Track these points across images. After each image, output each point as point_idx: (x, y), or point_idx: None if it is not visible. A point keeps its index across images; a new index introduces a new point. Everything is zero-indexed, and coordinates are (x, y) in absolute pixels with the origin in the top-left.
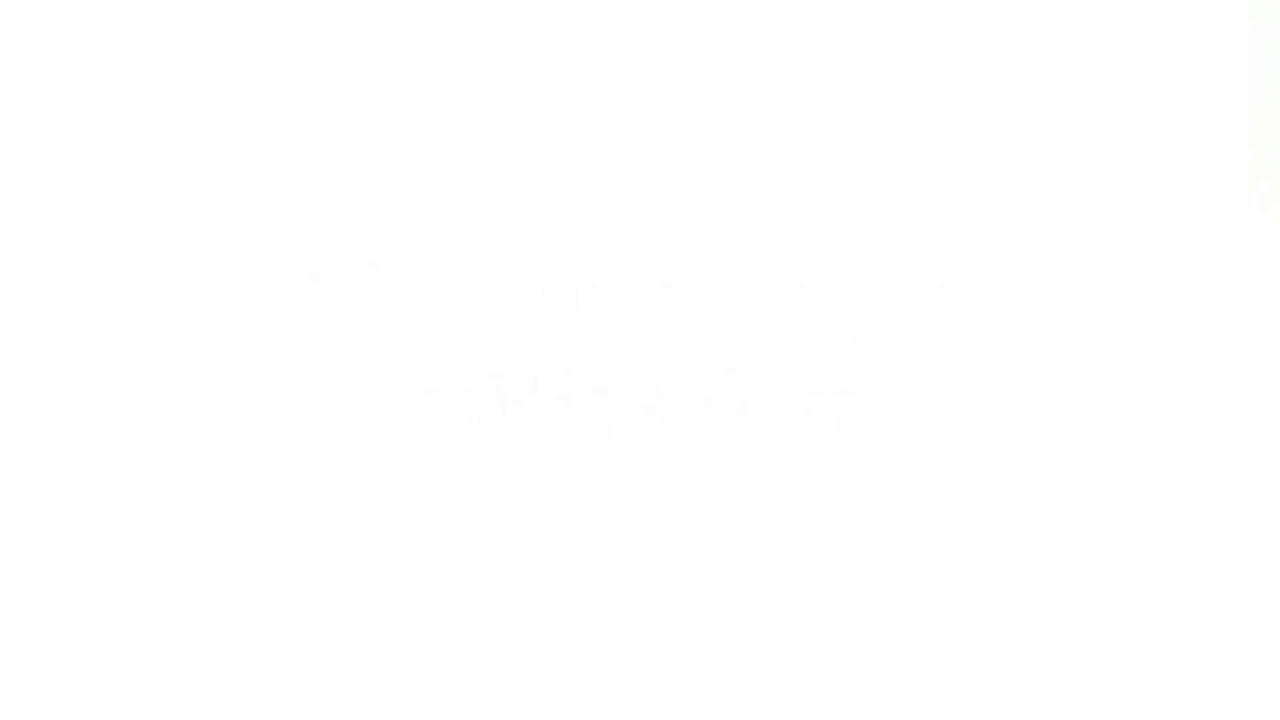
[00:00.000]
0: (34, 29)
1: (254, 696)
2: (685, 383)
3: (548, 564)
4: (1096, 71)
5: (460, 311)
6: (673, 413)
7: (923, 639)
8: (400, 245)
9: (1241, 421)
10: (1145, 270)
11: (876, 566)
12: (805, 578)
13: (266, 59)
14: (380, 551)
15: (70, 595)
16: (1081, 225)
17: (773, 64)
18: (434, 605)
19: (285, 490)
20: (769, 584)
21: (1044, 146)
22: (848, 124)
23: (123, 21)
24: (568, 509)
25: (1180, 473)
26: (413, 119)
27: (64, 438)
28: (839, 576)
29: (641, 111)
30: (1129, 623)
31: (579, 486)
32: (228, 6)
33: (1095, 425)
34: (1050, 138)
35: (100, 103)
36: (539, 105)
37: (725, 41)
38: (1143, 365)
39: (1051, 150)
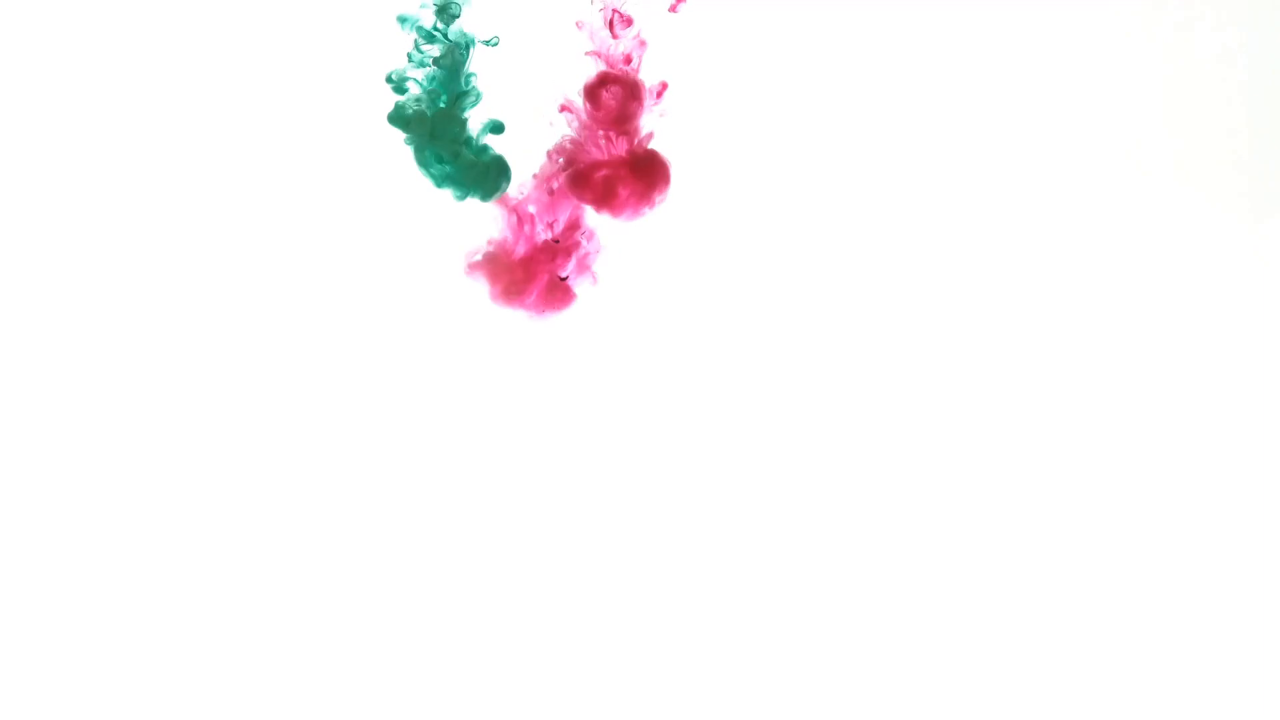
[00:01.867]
0: (34, 29)
1: (254, 696)
2: (684, 381)
3: (546, 563)
4: (1096, 74)
5: (458, 311)
6: (672, 413)
7: (923, 638)
8: (398, 245)
9: (1241, 422)
10: (1144, 272)
11: (876, 566)
12: (804, 577)
13: (267, 61)
14: (379, 551)
15: (69, 595)
16: (1081, 227)
17: (773, 64)
18: (433, 606)
19: (284, 490)
20: (767, 583)
21: (1044, 149)
22: (849, 125)
23: (123, 23)
24: (565, 508)
25: (1180, 472)
26: None
27: (63, 438)
28: (838, 576)
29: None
30: (1130, 622)
31: (577, 486)
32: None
33: (1094, 426)
34: (1050, 141)
35: (101, 104)
36: (536, 104)
37: (727, 41)
38: (1142, 366)
39: (1051, 153)
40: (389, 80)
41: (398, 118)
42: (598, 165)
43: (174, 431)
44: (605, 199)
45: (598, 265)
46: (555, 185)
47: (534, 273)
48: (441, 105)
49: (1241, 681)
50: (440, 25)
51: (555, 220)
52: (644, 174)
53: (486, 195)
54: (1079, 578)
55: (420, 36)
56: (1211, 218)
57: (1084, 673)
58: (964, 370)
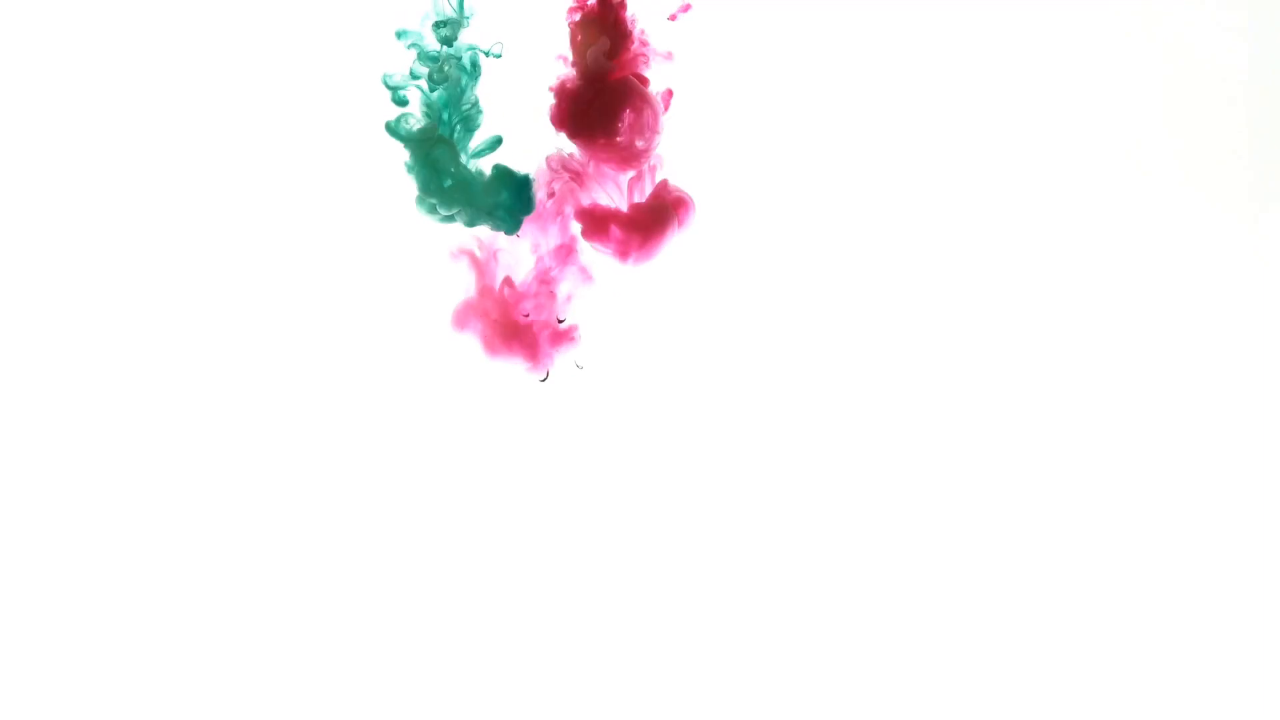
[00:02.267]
0: (34, 29)
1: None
2: (684, 380)
3: (543, 564)
4: (1096, 74)
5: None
6: (672, 413)
7: (922, 640)
8: (396, 244)
9: (1242, 422)
10: (1144, 270)
11: (875, 568)
12: (803, 579)
13: (266, 63)
14: (378, 553)
15: (70, 595)
16: (1081, 226)
17: (773, 68)
18: (432, 608)
19: (284, 492)
20: (765, 586)
21: (1044, 149)
22: (850, 125)
23: (124, 23)
24: (564, 508)
25: (1180, 470)
26: None
27: (64, 438)
28: (837, 578)
29: None
30: (1130, 623)
31: (576, 486)
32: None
33: (1095, 423)
34: (1050, 141)
35: (100, 103)
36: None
37: (726, 48)
38: (1142, 364)
39: (1052, 153)
40: (385, 83)
41: (395, 130)
42: (606, 215)
43: (156, 442)
44: (614, 248)
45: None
46: (555, 188)
47: (515, 320)
48: (443, 131)
49: (1241, 681)
50: (440, 46)
51: (546, 245)
52: (652, 226)
53: (506, 222)
54: (1081, 576)
55: (420, 56)
56: (1211, 216)
57: (1084, 672)
58: (965, 370)
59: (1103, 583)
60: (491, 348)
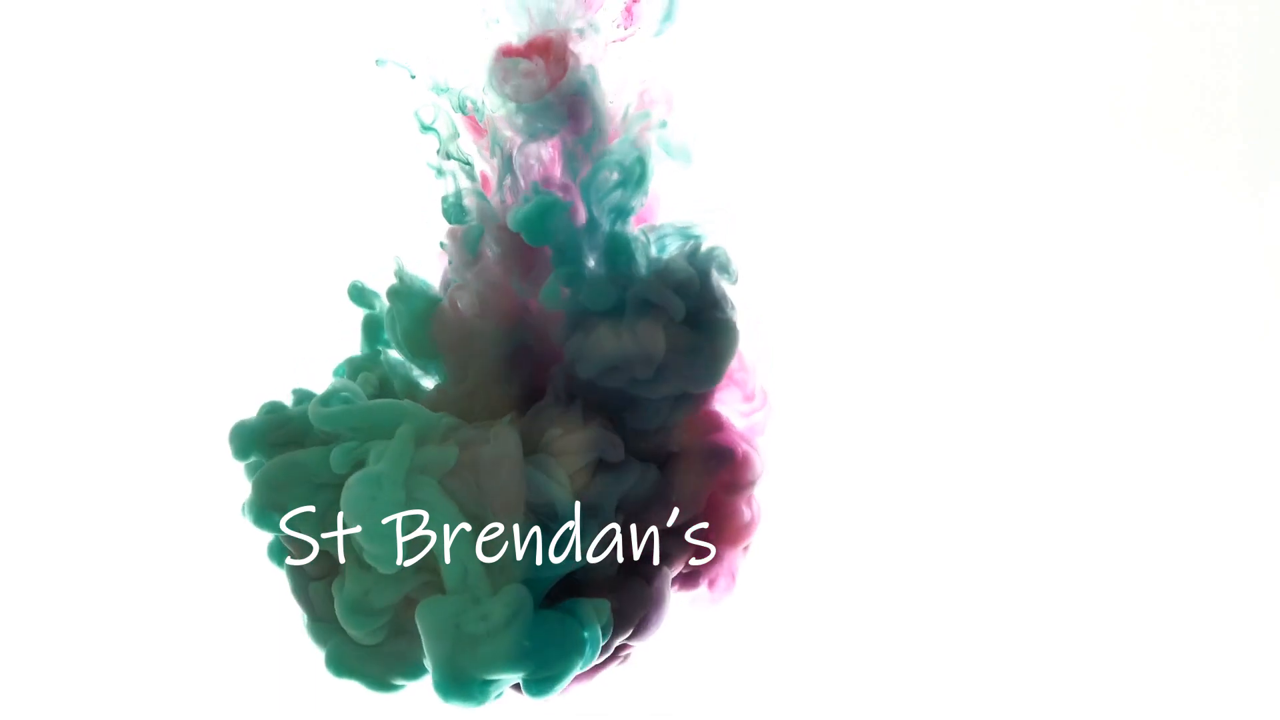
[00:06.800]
0: (35, 29)
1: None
2: None
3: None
4: (1092, 55)
5: None
6: None
7: (922, 641)
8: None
9: (1241, 422)
10: (1145, 252)
11: (875, 569)
12: (803, 580)
13: (267, 63)
14: None
15: (70, 595)
16: (1079, 224)
17: (765, 64)
18: None
19: None
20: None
21: (1042, 132)
22: (845, 117)
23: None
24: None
25: (1183, 447)
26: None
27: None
28: (837, 579)
29: None
30: (1130, 624)
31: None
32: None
33: (1097, 409)
34: (1049, 124)
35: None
36: None
37: (725, 37)
38: (1142, 349)
39: (1050, 136)
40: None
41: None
42: None
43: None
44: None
45: None
46: None
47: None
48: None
49: (1241, 681)
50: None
51: None
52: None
53: None
54: (1078, 565)
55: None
56: (1211, 215)
57: (1084, 673)
58: (964, 359)
59: (1100, 571)
60: None
